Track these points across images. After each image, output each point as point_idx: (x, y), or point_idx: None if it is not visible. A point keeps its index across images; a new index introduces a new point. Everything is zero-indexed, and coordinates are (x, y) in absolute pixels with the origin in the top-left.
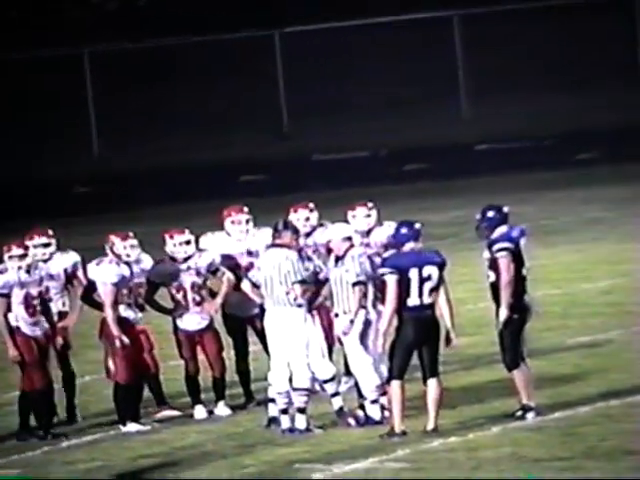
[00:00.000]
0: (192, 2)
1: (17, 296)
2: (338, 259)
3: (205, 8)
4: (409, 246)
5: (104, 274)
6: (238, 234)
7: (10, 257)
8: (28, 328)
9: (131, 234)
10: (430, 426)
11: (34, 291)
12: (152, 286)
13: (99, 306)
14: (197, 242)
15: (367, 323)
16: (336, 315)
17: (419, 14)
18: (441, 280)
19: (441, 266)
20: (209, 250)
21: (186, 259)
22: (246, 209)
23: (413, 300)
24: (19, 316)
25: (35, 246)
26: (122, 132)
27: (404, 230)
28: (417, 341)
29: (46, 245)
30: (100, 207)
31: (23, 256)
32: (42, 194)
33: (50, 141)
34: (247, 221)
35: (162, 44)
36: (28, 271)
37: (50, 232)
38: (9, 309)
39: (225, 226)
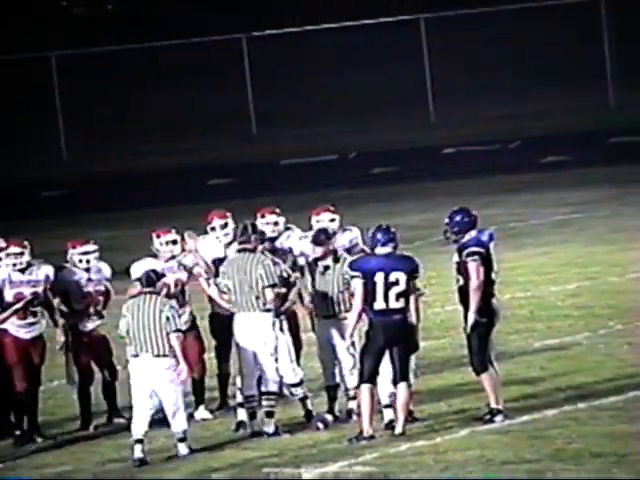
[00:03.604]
0: (159, 7)
1: (8, 295)
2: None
3: (174, 11)
4: (380, 250)
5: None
6: (216, 239)
7: (7, 255)
8: (14, 329)
9: (90, 241)
10: (398, 430)
11: (27, 292)
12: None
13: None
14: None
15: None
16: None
17: (386, 18)
18: (410, 287)
19: (410, 273)
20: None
21: (171, 258)
22: (229, 214)
23: (379, 304)
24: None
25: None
26: (90, 136)
27: (379, 235)
28: (386, 345)
29: (19, 254)
30: (68, 211)
31: (20, 254)
32: (11, 198)
33: (18, 145)
34: (223, 226)
35: (129, 48)
36: (22, 270)
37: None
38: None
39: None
